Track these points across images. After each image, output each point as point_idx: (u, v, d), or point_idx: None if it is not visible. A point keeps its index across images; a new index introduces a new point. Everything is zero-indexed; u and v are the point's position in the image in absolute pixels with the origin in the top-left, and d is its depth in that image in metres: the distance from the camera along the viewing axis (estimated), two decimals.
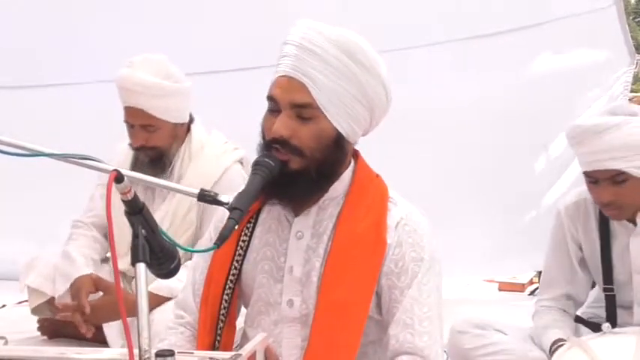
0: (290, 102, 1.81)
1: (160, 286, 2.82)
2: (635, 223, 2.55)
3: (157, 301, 2.80)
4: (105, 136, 4.29)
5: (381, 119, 1.94)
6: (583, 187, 2.60)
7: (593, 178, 2.48)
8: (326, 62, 1.79)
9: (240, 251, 1.95)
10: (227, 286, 1.93)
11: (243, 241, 1.95)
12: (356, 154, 1.98)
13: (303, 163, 1.82)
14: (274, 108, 1.84)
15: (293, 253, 1.91)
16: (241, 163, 3.11)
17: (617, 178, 2.42)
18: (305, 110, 1.81)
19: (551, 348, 2.54)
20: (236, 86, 4.35)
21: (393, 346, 1.85)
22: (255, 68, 4.12)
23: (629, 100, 4.75)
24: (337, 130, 1.83)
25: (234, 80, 4.47)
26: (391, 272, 1.87)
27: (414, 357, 1.83)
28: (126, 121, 3.03)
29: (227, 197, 1.63)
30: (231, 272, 1.94)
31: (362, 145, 2.01)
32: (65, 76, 4.68)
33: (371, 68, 1.83)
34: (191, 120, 3.16)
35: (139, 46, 4.10)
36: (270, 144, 1.82)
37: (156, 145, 3.03)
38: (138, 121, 2.99)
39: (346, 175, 1.94)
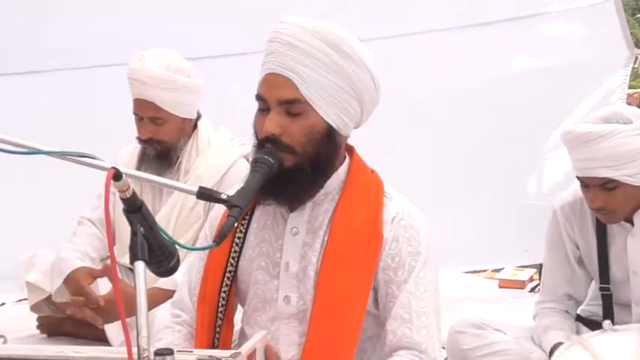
0: (278, 99, 1.81)
1: (166, 279, 2.82)
2: (632, 223, 2.55)
3: (165, 296, 2.80)
4: (100, 121, 4.32)
5: (373, 109, 1.93)
6: (578, 186, 2.59)
7: (585, 183, 2.48)
8: (310, 56, 1.79)
9: (236, 248, 1.95)
10: (224, 284, 1.93)
11: (239, 237, 1.95)
12: (350, 150, 1.98)
13: (296, 160, 1.82)
14: (263, 107, 1.84)
15: (289, 249, 1.91)
16: (247, 159, 3.12)
17: (608, 185, 2.43)
18: (293, 106, 1.81)
19: (551, 351, 2.53)
20: (234, 70, 4.33)
21: (391, 341, 1.85)
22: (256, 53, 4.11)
23: (629, 96, 4.74)
24: (328, 123, 1.83)
25: (235, 65, 4.45)
26: (388, 267, 1.87)
27: (412, 352, 1.83)
28: (135, 114, 3.06)
29: (226, 195, 1.62)
30: (228, 269, 1.94)
31: (356, 135, 2.00)
32: (57, 62, 4.67)
33: (356, 58, 1.83)
34: (198, 116, 3.18)
35: (137, 32, 4.10)
36: (263, 143, 1.81)
37: (163, 140, 3.05)
38: (147, 113, 3.02)
39: (341, 171, 1.94)
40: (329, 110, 1.82)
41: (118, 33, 4.33)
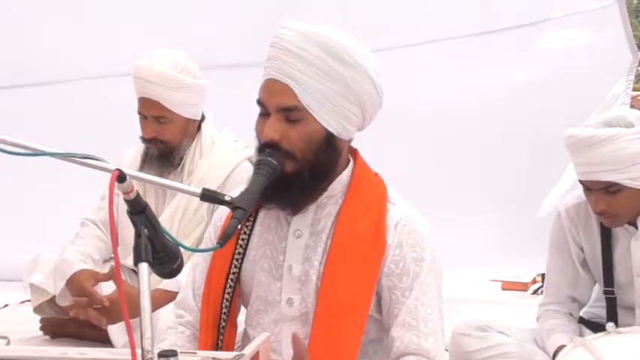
0: (277, 106, 1.82)
1: (170, 281, 2.82)
2: (636, 226, 2.55)
3: (168, 297, 2.80)
4: (105, 131, 4.32)
5: (376, 114, 1.93)
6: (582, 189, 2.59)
7: (588, 187, 2.48)
8: (309, 63, 1.80)
9: (240, 250, 1.95)
10: (228, 285, 1.93)
11: (243, 239, 1.95)
12: (354, 153, 1.98)
13: (296, 166, 1.82)
14: (264, 112, 1.85)
15: (292, 251, 1.91)
16: (251, 161, 3.12)
17: (611, 188, 2.43)
18: (292, 113, 1.81)
19: (555, 354, 2.52)
20: (241, 82, 4.34)
21: (398, 348, 1.85)
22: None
23: (632, 98, 4.73)
24: (327, 129, 1.83)
25: (239, 75, 4.46)
26: (392, 273, 1.87)
27: (420, 358, 1.83)
28: (139, 113, 3.06)
29: (229, 197, 1.62)
30: (232, 271, 1.94)
31: (363, 143, 2.00)
32: (63, 74, 4.68)
33: (356, 65, 1.83)
34: (202, 118, 3.18)
35: (144, 39, 4.11)
36: (264, 148, 1.82)
37: (166, 139, 3.05)
38: (151, 112, 3.02)
39: (344, 174, 1.94)
40: (328, 117, 1.82)
41: (123, 43, 4.35)
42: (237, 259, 1.95)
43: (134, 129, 3.12)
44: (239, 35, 4.43)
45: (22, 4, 4.58)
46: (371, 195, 1.93)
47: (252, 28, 4.23)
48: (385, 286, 1.88)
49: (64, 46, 4.57)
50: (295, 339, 1.73)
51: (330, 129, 1.83)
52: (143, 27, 4.40)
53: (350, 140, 1.94)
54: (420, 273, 1.87)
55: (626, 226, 2.56)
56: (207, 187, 1.63)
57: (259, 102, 1.86)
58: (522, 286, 4.72)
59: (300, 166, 1.82)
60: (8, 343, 2.81)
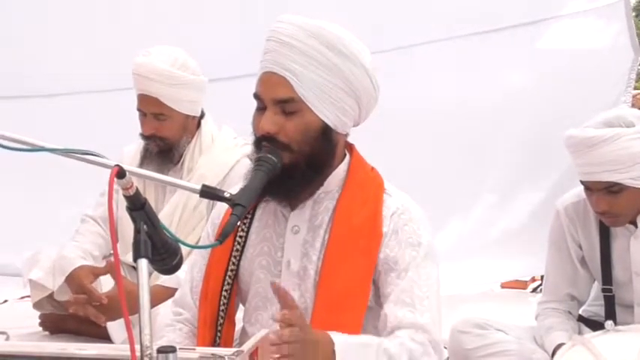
0: (273, 98, 1.82)
1: (169, 277, 2.82)
2: (635, 225, 2.55)
3: (167, 293, 2.79)
4: (114, 143, 4.32)
5: (372, 109, 1.94)
6: (582, 188, 2.59)
7: (589, 187, 2.48)
8: (306, 55, 1.80)
9: (238, 247, 1.95)
10: (226, 282, 1.94)
11: (240, 237, 1.96)
12: (351, 148, 1.98)
13: (292, 158, 1.82)
14: (260, 105, 1.86)
15: (290, 247, 1.92)
16: (250, 158, 3.12)
17: (612, 188, 2.43)
18: (289, 105, 1.82)
19: (554, 352, 2.52)
20: (239, 93, 4.33)
21: (392, 323, 1.82)
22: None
23: (633, 97, 4.72)
24: (323, 121, 1.84)
25: (244, 86, 4.45)
26: (387, 257, 1.88)
27: (415, 330, 1.80)
28: (138, 109, 3.06)
29: (229, 193, 1.62)
30: (230, 268, 1.94)
31: (363, 142, 2.00)
32: (66, 86, 4.68)
33: (353, 57, 1.84)
34: (202, 115, 3.18)
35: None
36: (260, 141, 1.82)
37: (166, 136, 3.05)
38: (150, 109, 3.02)
39: (341, 169, 1.94)
40: (324, 109, 1.83)
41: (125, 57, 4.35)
42: (235, 257, 1.95)
43: (133, 129, 3.12)
44: (239, 46, 4.41)
45: (22, 15, 4.58)
46: (368, 188, 1.93)
47: (252, 38, 4.22)
48: (382, 270, 1.88)
49: (61, 60, 4.55)
50: (276, 287, 1.67)
51: (327, 121, 1.84)
52: (147, 43, 4.40)
53: (346, 135, 1.95)
54: (416, 257, 1.87)
55: (627, 224, 2.56)
56: (206, 183, 1.63)
57: (256, 96, 1.86)
58: (521, 284, 4.71)
59: (296, 158, 1.83)
60: (7, 339, 2.82)
